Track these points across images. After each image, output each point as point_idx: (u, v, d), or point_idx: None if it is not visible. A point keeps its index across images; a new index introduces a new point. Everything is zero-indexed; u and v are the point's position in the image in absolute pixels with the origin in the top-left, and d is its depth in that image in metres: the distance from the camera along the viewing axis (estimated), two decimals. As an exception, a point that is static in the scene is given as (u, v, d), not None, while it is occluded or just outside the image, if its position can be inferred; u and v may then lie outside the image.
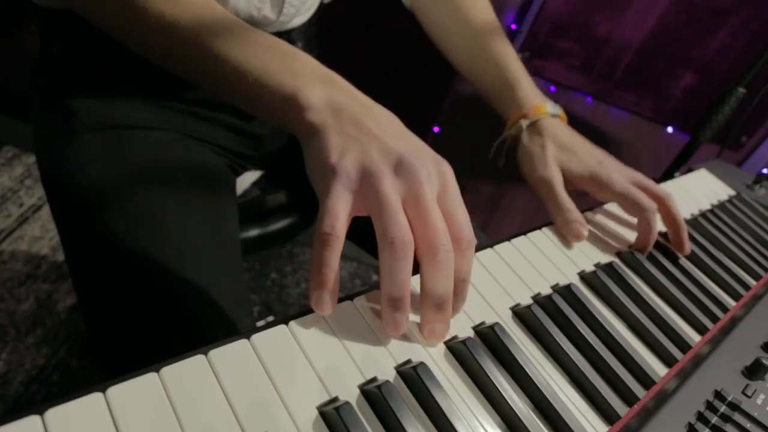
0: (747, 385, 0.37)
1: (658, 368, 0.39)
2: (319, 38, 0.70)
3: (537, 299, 0.40)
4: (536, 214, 1.47)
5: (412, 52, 1.19)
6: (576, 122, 0.58)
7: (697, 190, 0.65)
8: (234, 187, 0.64)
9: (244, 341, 0.29)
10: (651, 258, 0.50)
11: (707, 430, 0.33)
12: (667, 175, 0.84)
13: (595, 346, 0.37)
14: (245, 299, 0.52)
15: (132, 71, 0.56)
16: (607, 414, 0.34)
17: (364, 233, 0.46)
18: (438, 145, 0.54)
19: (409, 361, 0.32)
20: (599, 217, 0.53)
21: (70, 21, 0.52)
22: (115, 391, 0.25)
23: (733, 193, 0.68)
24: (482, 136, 0.69)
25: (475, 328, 0.36)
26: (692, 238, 0.53)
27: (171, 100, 0.58)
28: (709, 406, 0.35)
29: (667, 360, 0.40)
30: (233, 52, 0.37)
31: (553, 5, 1.14)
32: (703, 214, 0.60)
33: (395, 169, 0.32)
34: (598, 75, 1.21)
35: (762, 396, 0.36)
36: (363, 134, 0.33)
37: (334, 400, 0.28)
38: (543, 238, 0.47)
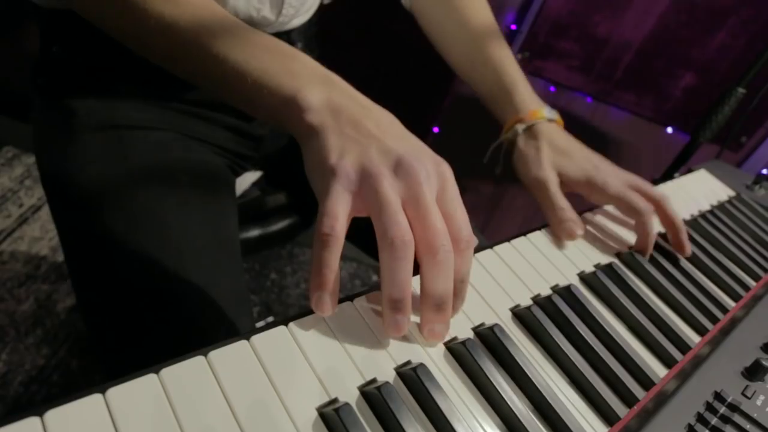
0: (747, 386, 0.37)
1: (657, 369, 0.39)
2: (318, 39, 0.70)
3: (537, 300, 0.40)
4: (536, 214, 1.47)
5: (412, 52, 1.19)
6: (576, 122, 0.58)
7: (697, 191, 0.65)
8: (234, 187, 0.64)
9: (243, 342, 0.29)
10: (650, 259, 0.50)
11: (707, 431, 0.33)
12: (666, 176, 0.84)
13: (595, 347, 0.37)
14: (245, 300, 0.52)
15: (132, 71, 0.56)
16: (606, 415, 0.34)
17: (363, 234, 0.46)
18: (438, 145, 0.54)
19: (408, 363, 0.32)
20: (599, 218, 0.53)
21: (70, 21, 0.52)
22: (114, 392, 0.25)
23: (732, 193, 0.68)
24: (482, 136, 0.69)
25: (475, 329, 0.36)
26: (692, 239, 0.53)
27: (171, 100, 0.58)
28: (709, 407, 0.35)
29: (667, 361, 0.40)
30: (233, 53, 0.37)
31: (553, 5, 1.14)
32: (702, 215, 0.60)
33: (395, 169, 0.32)
34: (597, 75, 1.21)
35: (762, 397, 0.36)
36: (362, 135, 0.33)
37: (334, 401, 0.28)
38: (543, 238, 0.47)
